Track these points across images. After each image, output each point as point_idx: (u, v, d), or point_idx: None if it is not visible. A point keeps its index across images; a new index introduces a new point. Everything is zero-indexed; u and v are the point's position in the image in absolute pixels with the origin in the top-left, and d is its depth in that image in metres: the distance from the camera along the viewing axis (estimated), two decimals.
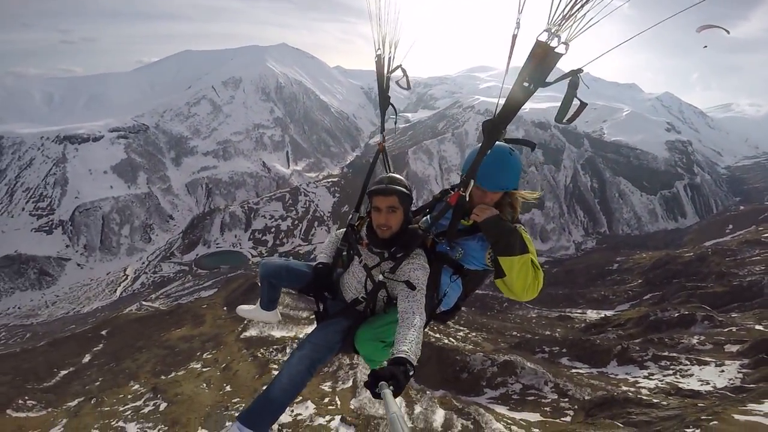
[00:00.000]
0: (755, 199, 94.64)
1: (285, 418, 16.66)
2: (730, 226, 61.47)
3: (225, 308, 37.52)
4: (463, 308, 2.85)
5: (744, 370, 17.50)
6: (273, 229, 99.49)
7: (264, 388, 2.13)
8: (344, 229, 2.79)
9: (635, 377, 20.93)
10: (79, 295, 79.13)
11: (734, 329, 25.96)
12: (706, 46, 25.55)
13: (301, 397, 18.61)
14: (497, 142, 2.28)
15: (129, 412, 19.47)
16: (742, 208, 78.86)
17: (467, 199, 2.28)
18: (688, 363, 21.36)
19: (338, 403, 16.69)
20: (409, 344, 1.85)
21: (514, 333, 35.80)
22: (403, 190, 2.36)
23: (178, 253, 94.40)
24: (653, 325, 30.21)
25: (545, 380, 19.53)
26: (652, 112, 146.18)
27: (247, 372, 23.38)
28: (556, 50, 1.59)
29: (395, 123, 3.32)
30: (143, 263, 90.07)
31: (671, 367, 21.35)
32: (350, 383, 19.03)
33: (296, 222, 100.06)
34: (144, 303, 72.37)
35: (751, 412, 7.92)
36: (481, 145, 2.08)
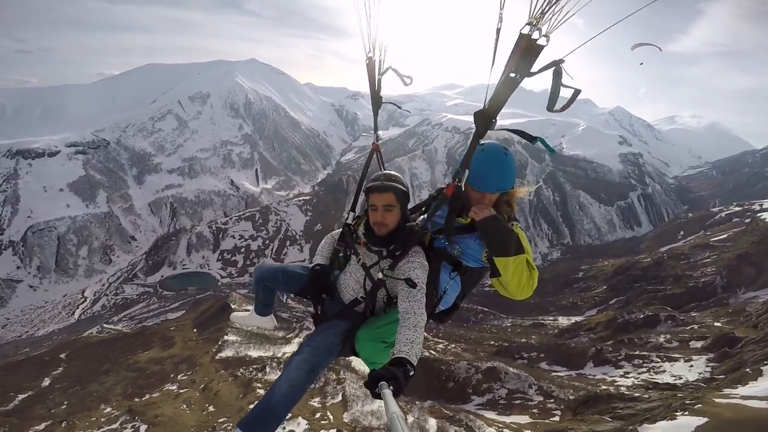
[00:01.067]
0: (701, 206, 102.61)
1: None
2: (682, 232, 66.09)
3: (195, 330, 35.87)
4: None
5: (712, 364, 18.80)
6: (243, 250, 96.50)
7: (263, 395, 2.10)
8: (340, 230, 2.73)
9: (612, 377, 21.93)
10: (33, 318, 73.58)
11: (696, 327, 27.90)
12: (642, 63, 28.03)
13: (290, 414, 18.16)
14: (492, 142, 2.38)
15: None
16: (690, 215, 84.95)
17: (467, 196, 2.34)
18: (659, 360, 22.68)
19: (330, 417, 16.35)
20: (409, 345, 1.85)
21: (492, 342, 36.45)
22: (400, 187, 2.33)
23: (141, 274, 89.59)
24: (622, 327, 31.81)
25: (529, 384, 20.08)
26: (606, 126, 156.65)
27: (230, 392, 22.60)
28: (537, 42, 1.71)
29: (406, 111, 3.32)
30: (103, 285, 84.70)
31: (644, 365, 22.58)
32: (339, 398, 18.71)
33: (267, 242, 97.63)
34: (106, 325, 67.88)
35: (729, 396, 8.65)
36: (473, 134, 2.12)
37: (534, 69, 1.75)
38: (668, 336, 26.60)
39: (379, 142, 2.95)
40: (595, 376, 22.72)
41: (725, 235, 45.62)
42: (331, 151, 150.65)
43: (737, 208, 57.70)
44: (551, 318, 50.65)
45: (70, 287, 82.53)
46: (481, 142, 2.27)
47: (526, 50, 1.71)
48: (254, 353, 28.24)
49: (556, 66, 1.74)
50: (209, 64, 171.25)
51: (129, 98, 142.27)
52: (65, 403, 23.06)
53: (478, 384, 22.09)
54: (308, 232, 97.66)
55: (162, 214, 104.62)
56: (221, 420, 18.61)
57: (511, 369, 21.67)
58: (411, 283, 2.17)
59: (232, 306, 41.29)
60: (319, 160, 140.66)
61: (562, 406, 16.91)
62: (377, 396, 1.53)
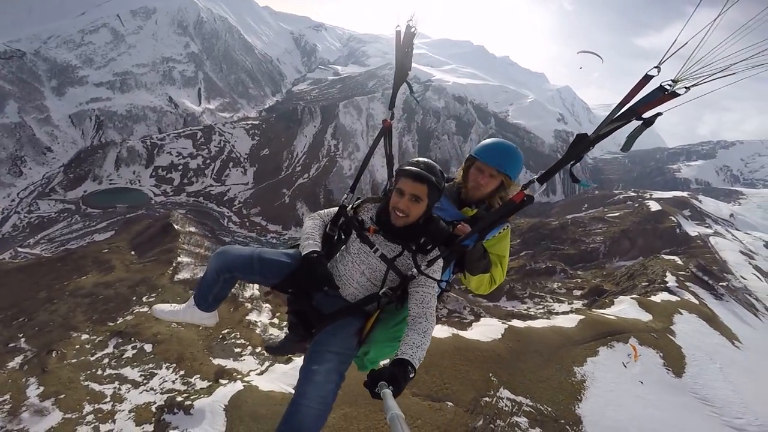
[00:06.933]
0: (607, 187, 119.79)
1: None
2: (586, 205, 78.07)
3: (133, 252, 33.26)
4: None
5: (585, 308, 26.80)
6: (180, 167, 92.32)
7: (285, 415, 1.84)
8: (330, 210, 2.41)
9: (519, 309, 29.63)
10: None
11: (579, 280, 36.70)
12: (581, 67, 32.43)
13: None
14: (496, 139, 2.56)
15: (107, 359, 18.42)
16: (596, 192, 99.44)
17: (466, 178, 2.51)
18: (551, 301, 30.90)
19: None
20: (415, 348, 1.78)
21: None
22: (436, 183, 2.07)
23: (60, 188, 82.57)
24: (528, 273, 40.16)
25: (464, 305, 26.69)
26: (551, 102, 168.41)
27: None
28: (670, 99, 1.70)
29: (415, 99, 3.93)
30: (13, 200, 77.19)
31: (541, 303, 30.65)
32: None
33: (208, 161, 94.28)
34: (20, 250, 62.26)
35: (595, 313, 15.15)
36: (565, 154, 2.05)
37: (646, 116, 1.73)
38: (560, 284, 35.27)
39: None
40: (506, 307, 30.33)
41: (617, 213, 55.62)
42: (282, 79, 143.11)
43: (633, 194, 68.92)
44: None
45: None
46: (497, 139, 2.57)
47: (660, 102, 1.69)
48: None
49: (654, 117, 1.75)
50: None
51: (49, 10, 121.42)
52: (21, 335, 21.08)
53: None
54: (254, 156, 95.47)
55: (85, 126, 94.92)
56: (225, 331, 20.42)
57: (451, 293, 28.10)
58: (440, 286, 2.11)
59: (176, 227, 37.62)
60: (269, 87, 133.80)
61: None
62: (377, 396, 1.52)
